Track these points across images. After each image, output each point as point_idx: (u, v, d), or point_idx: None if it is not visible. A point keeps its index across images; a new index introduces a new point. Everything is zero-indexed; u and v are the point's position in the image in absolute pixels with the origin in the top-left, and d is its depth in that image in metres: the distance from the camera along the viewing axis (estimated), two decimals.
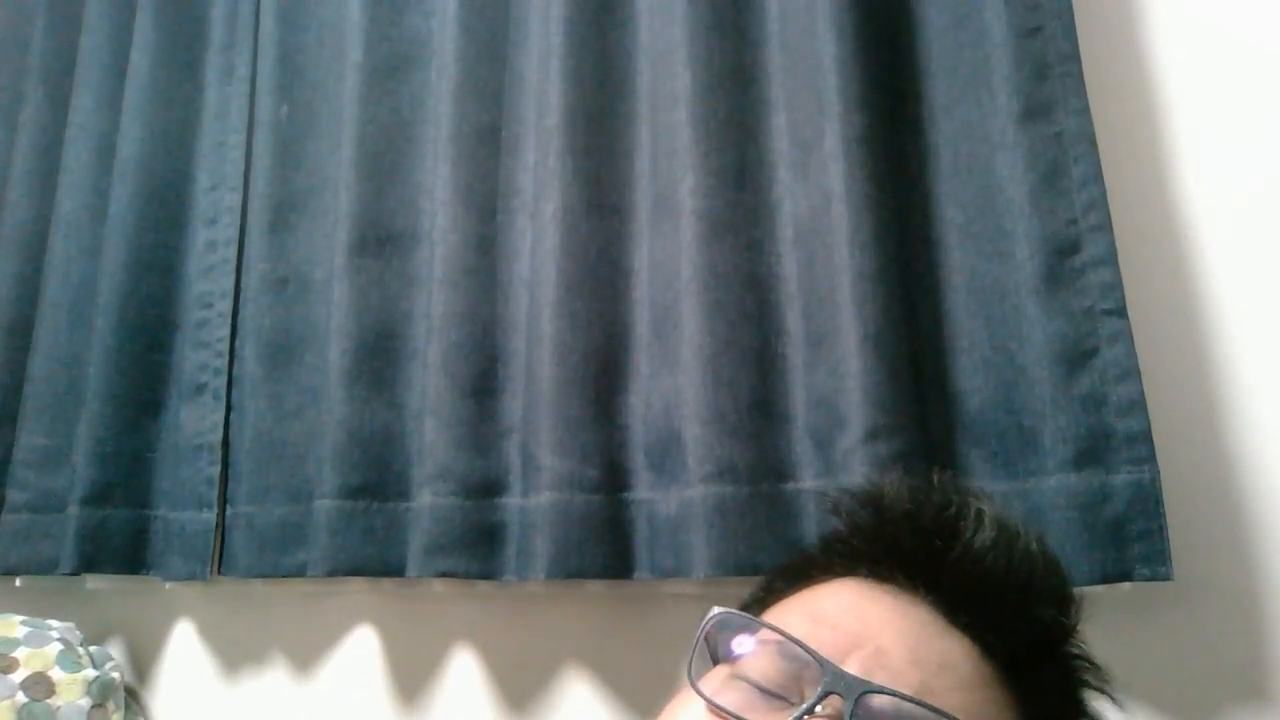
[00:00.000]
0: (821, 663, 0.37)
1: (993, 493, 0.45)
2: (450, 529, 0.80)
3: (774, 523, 0.71)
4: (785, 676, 0.39)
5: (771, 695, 0.38)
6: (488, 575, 0.80)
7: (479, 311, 0.85)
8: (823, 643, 0.38)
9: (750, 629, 0.41)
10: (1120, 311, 0.64)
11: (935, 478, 0.45)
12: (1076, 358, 0.65)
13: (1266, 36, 0.70)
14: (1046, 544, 0.43)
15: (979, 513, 0.42)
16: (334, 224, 0.94)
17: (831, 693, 0.36)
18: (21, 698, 0.85)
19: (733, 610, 0.43)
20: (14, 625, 0.93)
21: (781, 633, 0.39)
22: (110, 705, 0.91)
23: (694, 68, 0.79)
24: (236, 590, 0.97)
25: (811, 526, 0.70)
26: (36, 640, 0.91)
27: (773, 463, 0.73)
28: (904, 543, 0.43)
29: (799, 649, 0.38)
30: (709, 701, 0.39)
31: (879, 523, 0.45)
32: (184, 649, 1.00)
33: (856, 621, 0.40)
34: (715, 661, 0.43)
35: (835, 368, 0.71)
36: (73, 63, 1.16)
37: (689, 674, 0.42)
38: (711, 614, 0.43)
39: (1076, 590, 0.44)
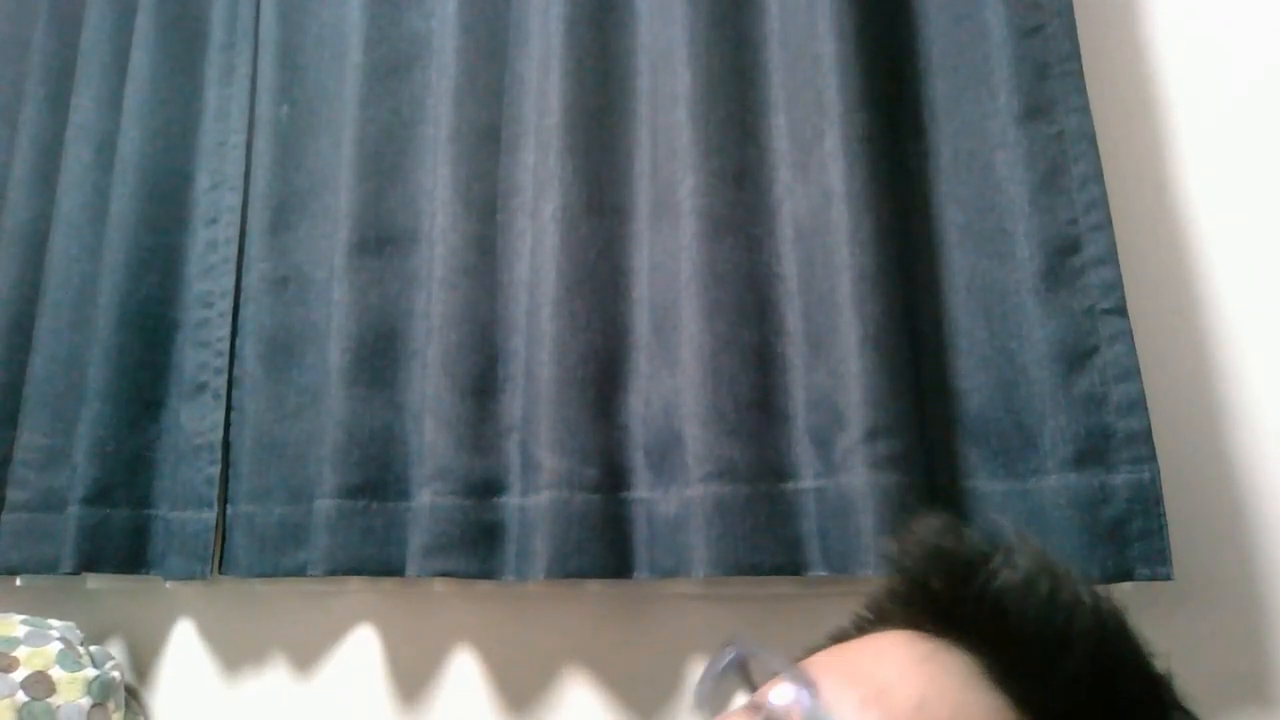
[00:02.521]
0: (805, 685, 0.35)
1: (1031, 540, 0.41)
2: (450, 529, 0.80)
3: (774, 522, 0.71)
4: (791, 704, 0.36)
5: None
6: (487, 575, 0.80)
7: (479, 311, 0.85)
8: (828, 677, 0.36)
9: (764, 660, 0.40)
10: (1120, 311, 0.64)
11: (977, 522, 0.42)
12: (1076, 357, 0.64)
13: (1266, 36, 0.70)
14: (1110, 604, 0.38)
15: (1009, 552, 0.38)
16: (334, 224, 0.94)
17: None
18: (22, 696, 0.85)
19: (748, 641, 0.41)
20: (14, 624, 0.93)
21: (783, 662, 0.38)
22: (110, 704, 0.91)
23: (694, 67, 0.79)
24: (237, 589, 0.97)
25: (811, 526, 0.71)
26: (37, 639, 0.91)
27: (772, 462, 0.73)
28: (930, 585, 0.40)
29: (798, 674, 0.36)
30: None
31: (908, 567, 0.41)
32: (184, 648, 1.00)
33: (872, 662, 0.38)
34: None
35: (835, 367, 0.71)
36: (73, 62, 1.16)
37: (700, 705, 0.41)
38: (727, 652, 0.41)
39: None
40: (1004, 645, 0.37)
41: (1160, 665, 0.39)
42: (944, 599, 0.39)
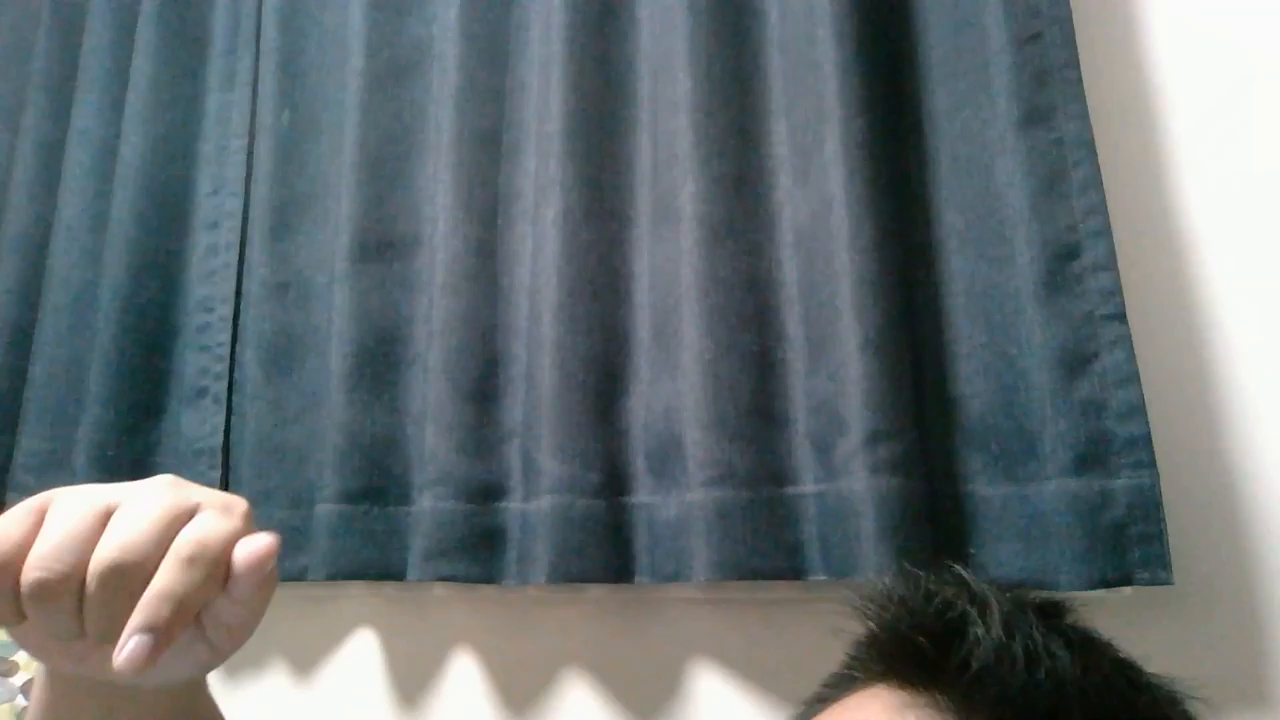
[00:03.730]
0: None
1: (1013, 585, 0.41)
2: (451, 533, 0.80)
3: (774, 527, 0.71)
4: None
5: None
6: (488, 579, 0.80)
7: (480, 316, 0.85)
8: None
9: None
10: (1120, 316, 0.64)
11: (943, 574, 0.41)
12: (1076, 363, 0.65)
13: (1264, 42, 0.71)
14: (1101, 655, 0.38)
15: (985, 618, 0.38)
16: (335, 229, 0.94)
17: None
18: (22, 701, 0.85)
19: None
20: None
21: None
22: None
23: (694, 74, 0.80)
24: None
25: (812, 530, 0.71)
26: None
27: (773, 467, 0.73)
28: (908, 648, 0.39)
29: None
30: None
31: (883, 626, 0.42)
32: None
33: (851, 714, 0.39)
34: None
35: (835, 372, 0.71)
36: (75, 68, 1.16)
37: None
38: None
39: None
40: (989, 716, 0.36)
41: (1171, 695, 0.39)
42: (923, 664, 0.38)
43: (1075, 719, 0.36)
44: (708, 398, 0.73)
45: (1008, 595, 0.40)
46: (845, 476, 0.69)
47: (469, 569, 0.79)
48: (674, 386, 0.77)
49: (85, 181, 1.10)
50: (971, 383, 0.70)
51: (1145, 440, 0.62)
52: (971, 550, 0.67)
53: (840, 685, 0.44)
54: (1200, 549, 0.65)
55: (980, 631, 0.37)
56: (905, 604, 0.41)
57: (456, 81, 0.90)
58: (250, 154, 1.03)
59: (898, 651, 0.40)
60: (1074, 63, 0.69)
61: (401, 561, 0.83)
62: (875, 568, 0.64)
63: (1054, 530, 0.63)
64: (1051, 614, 0.40)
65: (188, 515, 0.35)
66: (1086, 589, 0.61)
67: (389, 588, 0.88)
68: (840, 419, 0.70)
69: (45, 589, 0.33)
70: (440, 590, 0.87)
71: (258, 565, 0.35)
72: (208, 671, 0.40)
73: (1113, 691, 0.38)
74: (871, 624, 0.43)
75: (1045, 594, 0.42)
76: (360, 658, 0.91)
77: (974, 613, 0.38)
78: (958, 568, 0.41)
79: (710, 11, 0.81)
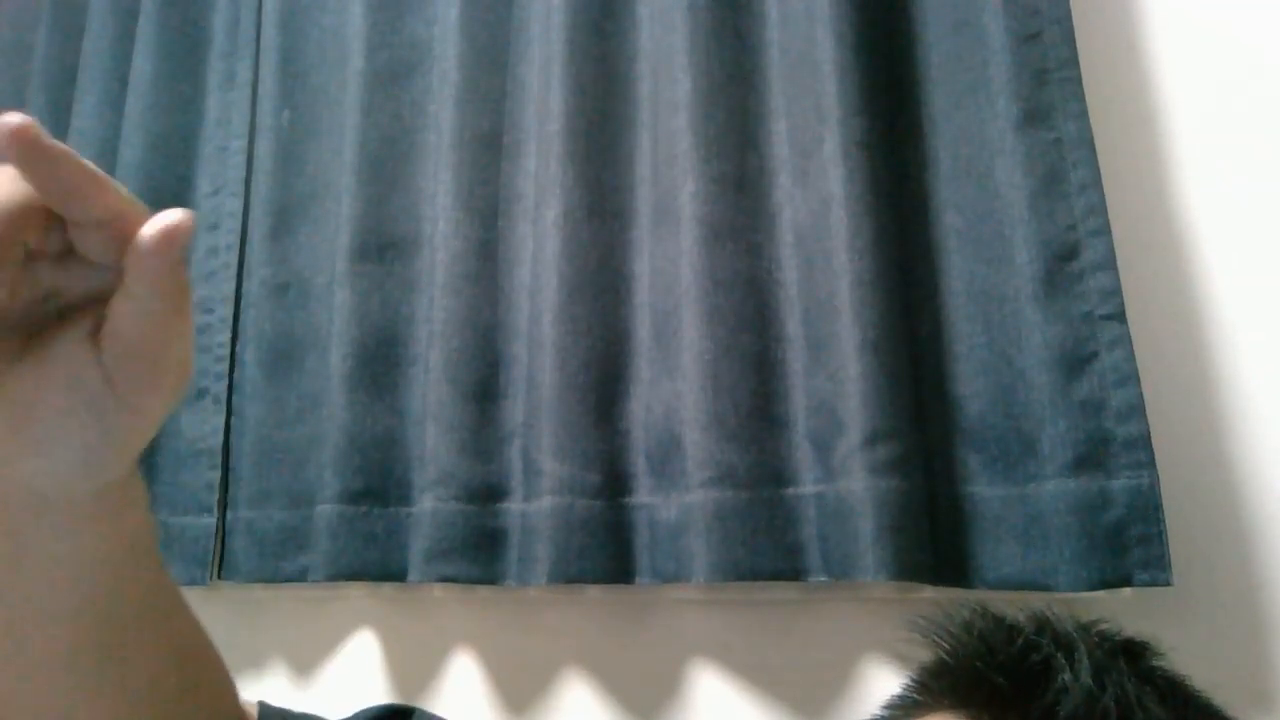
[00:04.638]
0: None
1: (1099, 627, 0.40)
2: (451, 534, 0.80)
3: (774, 528, 0.71)
4: None
5: None
6: (489, 580, 0.80)
7: (480, 317, 0.85)
8: None
9: None
10: (1119, 316, 0.64)
11: (1032, 614, 0.41)
12: (1075, 363, 0.65)
13: (1265, 41, 0.71)
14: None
15: (1074, 664, 0.37)
16: (335, 229, 0.94)
17: None
18: None
19: None
20: None
21: None
22: None
23: (694, 74, 0.80)
24: (236, 595, 0.97)
25: (811, 531, 0.71)
26: None
27: (772, 467, 0.73)
28: (990, 685, 0.38)
29: None
30: None
31: (953, 658, 0.41)
32: None
33: None
34: None
35: (835, 372, 0.71)
36: (75, 68, 1.16)
37: None
38: None
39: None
40: None
41: None
42: (1001, 702, 0.38)
43: None
44: (708, 398, 0.73)
45: (1093, 638, 0.38)
46: (844, 477, 0.69)
47: (469, 570, 0.80)
48: (674, 387, 0.77)
49: None
50: (970, 383, 0.70)
51: (1145, 440, 0.62)
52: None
53: (903, 708, 0.43)
54: (1200, 549, 0.65)
55: (1069, 679, 0.36)
56: (984, 638, 0.40)
57: (456, 81, 0.90)
58: (250, 154, 1.03)
59: (973, 686, 0.39)
60: (1074, 61, 0.69)
61: (402, 562, 0.83)
62: (875, 568, 0.64)
63: (1053, 531, 0.63)
64: (1135, 654, 0.39)
65: None
66: (1086, 590, 0.61)
67: (388, 588, 0.88)
68: (839, 419, 0.70)
69: None
70: (440, 591, 0.87)
71: (165, 242, 0.27)
72: (119, 458, 0.30)
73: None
74: (944, 653, 0.41)
75: (1128, 633, 0.40)
76: (360, 659, 0.91)
77: (1061, 658, 0.37)
78: (1038, 606, 0.41)
79: (710, 11, 0.81)
